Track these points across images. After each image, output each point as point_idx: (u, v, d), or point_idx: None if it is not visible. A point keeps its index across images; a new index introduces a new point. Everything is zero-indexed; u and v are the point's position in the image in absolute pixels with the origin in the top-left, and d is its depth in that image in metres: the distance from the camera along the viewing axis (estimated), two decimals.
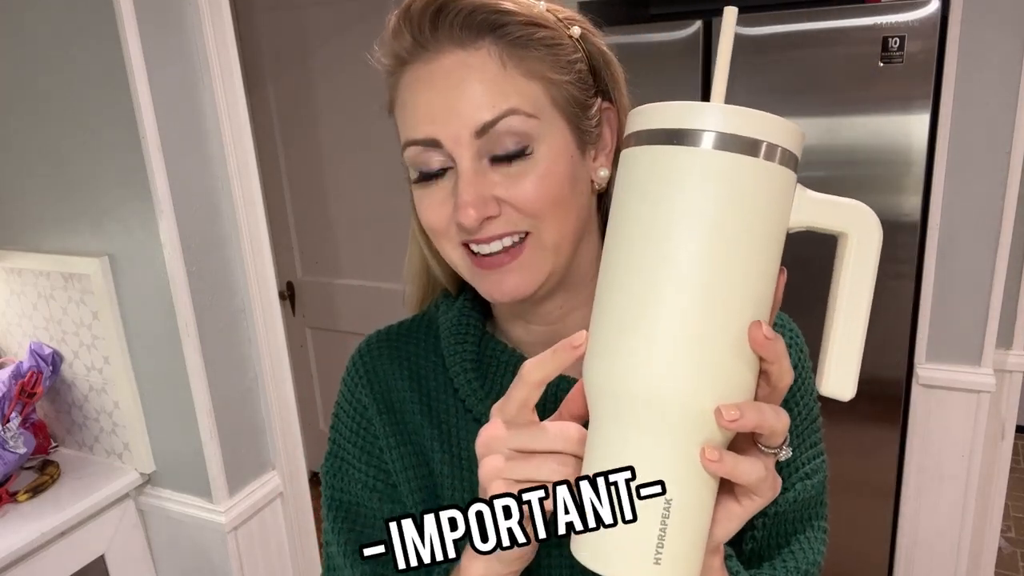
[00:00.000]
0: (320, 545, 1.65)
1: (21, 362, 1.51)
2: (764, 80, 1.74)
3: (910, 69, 1.61)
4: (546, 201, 0.53)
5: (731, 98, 0.38)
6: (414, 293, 0.69)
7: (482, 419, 0.59)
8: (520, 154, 0.52)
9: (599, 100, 0.57)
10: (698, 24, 1.77)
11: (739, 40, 1.74)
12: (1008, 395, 1.79)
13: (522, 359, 0.61)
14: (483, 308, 0.64)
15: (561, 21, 0.55)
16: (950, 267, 1.68)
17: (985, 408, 1.71)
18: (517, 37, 0.52)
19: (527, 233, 0.54)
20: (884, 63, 1.63)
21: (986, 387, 1.69)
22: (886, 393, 1.82)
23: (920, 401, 1.77)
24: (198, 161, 1.37)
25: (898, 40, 1.60)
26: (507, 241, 0.54)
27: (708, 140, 0.37)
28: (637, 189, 0.40)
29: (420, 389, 0.63)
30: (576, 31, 0.56)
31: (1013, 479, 1.96)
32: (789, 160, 0.39)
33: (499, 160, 0.52)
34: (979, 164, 1.61)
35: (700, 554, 0.41)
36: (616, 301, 0.40)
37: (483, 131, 0.51)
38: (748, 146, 0.37)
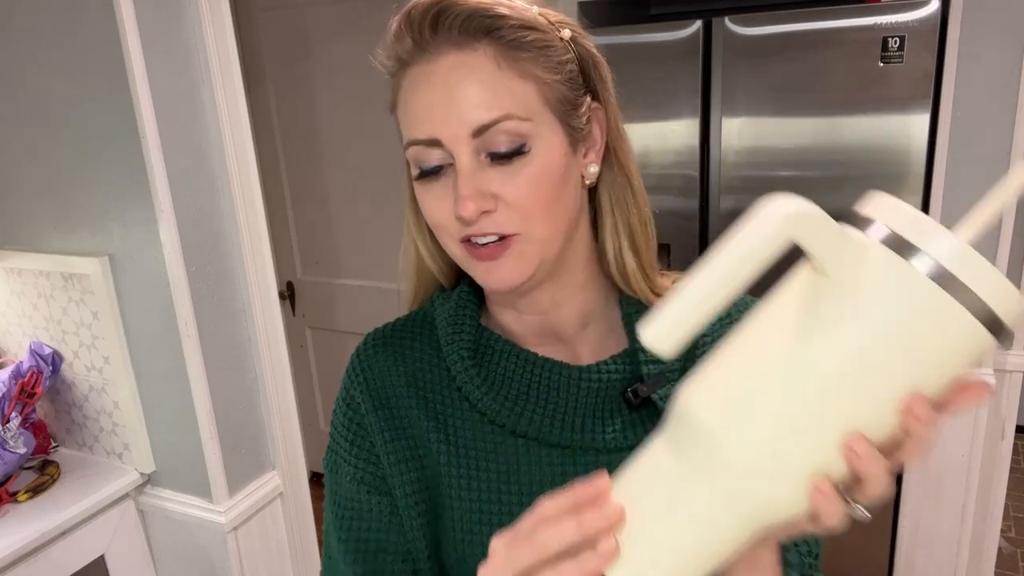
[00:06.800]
0: (321, 544, 1.65)
1: (21, 362, 1.51)
2: (764, 80, 1.73)
3: (910, 69, 1.61)
4: (539, 200, 0.56)
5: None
6: (408, 290, 0.72)
7: (478, 405, 0.62)
8: (515, 153, 0.55)
9: (588, 99, 0.61)
10: (698, 24, 1.77)
11: (739, 40, 1.74)
12: (1008, 395, 1.79)
13: (514, 347, 0.64)
14: (478, 300, 0.68)
15: (552, 24, 0.59)
16: None
17: (985, 408, 1.71)
18: (511, 40, 0.55)
19: (517, 232, 0.57)
20: (884, 63, 1.63)
21: None
22: None
23: None
24: (198, 161, 1.37)
25: (898, 40, 1.60)
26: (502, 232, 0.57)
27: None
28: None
29: (416, 383, 0.65)
30: (567, 33, 0.59)
31: (1013, 479, 1.95)
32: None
33: (496, 158, 0.55)
34: (979, 164, 1.61)
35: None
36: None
37: (480, 132, 0.54)
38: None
